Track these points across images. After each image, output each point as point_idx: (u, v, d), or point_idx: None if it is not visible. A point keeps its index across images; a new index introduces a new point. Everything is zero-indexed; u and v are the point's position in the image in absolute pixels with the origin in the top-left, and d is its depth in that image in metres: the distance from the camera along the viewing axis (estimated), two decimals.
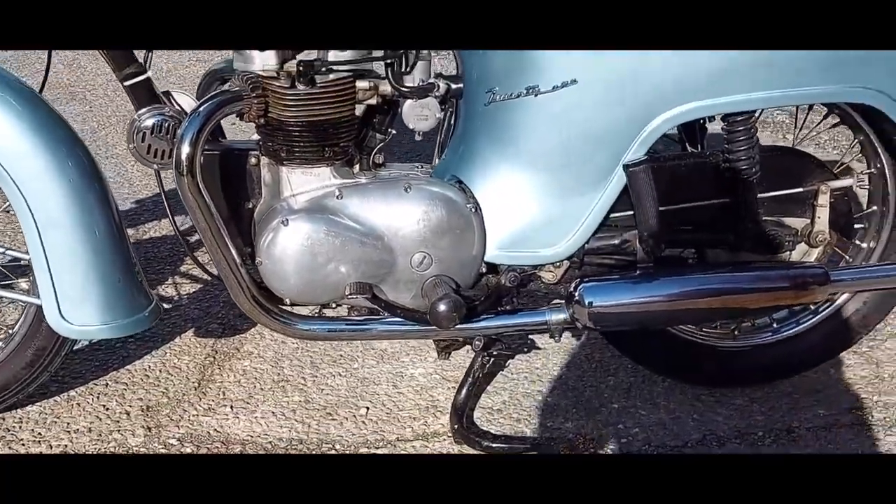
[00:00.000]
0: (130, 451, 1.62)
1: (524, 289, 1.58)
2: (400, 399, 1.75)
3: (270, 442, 1.65)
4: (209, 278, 1.85)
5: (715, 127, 1.55)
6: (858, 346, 1.83)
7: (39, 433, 1.66)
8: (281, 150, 1.45)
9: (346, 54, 1.44)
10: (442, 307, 1.42)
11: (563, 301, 1.51)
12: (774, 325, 1.73)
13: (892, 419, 1.67)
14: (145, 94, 1.54)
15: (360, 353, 1.88)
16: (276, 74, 1.42)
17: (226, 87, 1.48)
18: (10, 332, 1.63)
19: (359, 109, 1.50)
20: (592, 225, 1.48)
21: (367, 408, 1.73)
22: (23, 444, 1.63)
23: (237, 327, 1.97)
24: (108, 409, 1.73)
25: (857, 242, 1.69)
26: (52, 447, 1.63)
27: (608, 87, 1.41)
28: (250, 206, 1.52)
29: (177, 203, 1.46)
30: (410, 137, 1.52)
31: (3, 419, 1.69)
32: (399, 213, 1.47)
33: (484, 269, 1.52)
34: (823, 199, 1.57)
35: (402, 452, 1.61)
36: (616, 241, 1.52)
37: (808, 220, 1.58)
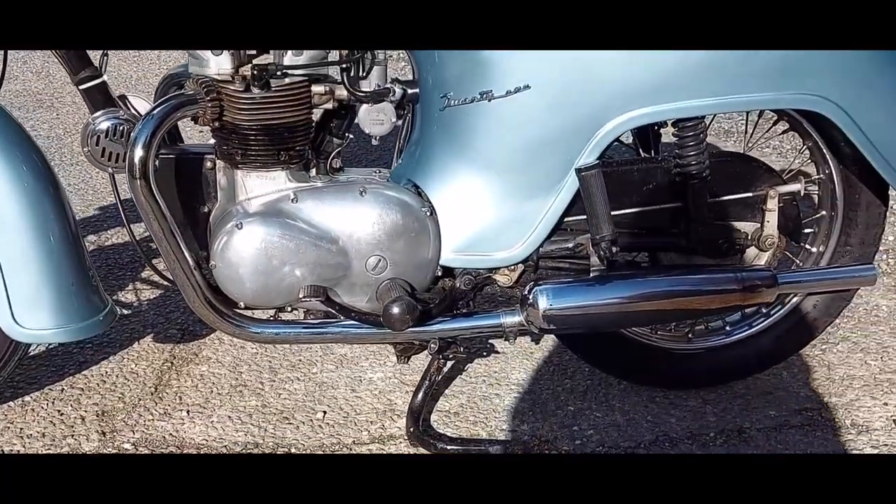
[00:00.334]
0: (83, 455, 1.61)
1: (481, 292, 1.60)
2: (358, 403, 1.76)
3: (226, 446, 1.64)
4: (169, 284, 1.85)
5: (670, 134, 1.58)
6: (810, 349, 1.87)
7: None
8: (236, 154, 1.46)
9: (302, 58, 1.45)
10: (395, 309, 1.43)
11: (518, 304, 1.52)
12: (727, 328, 1.76)
13: (841, 420, 1.70)
14: (101, 98, 1.54)
15: (319, 358, 1.89)
16: (230, 78, 1.43)
17: (181, 91, 1.48)
18: None
19: (315, 114, 1.51)
20: (546, 229, 1.50)
21: (325, 412, 1.73)
22: None
23: (196, 333, 1.96)
24: (62, 414, 1.72)
25: (807, 246, 1.72)
26: (3, 451, 1.61)
27: (560, 92, 1.43)
28: (206, 209, 1.53)
29: (134, 208, 1.46)
30: (371, 143, 1.54)
31: None
32: (354, 217, 1.48)
33: (439, 273, 1.53)
34: (772, 204, 1.60)
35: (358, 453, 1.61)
36: (570, 245, 1.55)
37: (758, 225, 1.61)
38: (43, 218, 1.51)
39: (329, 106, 1.50)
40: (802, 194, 1.65)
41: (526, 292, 1.50)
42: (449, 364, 1.76)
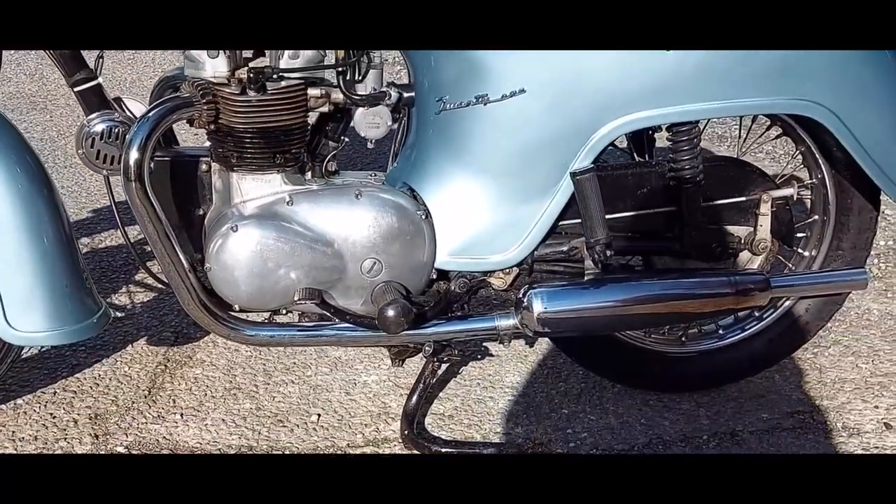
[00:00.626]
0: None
1: (476, 296, 1.60)
2: (352, 406, 1.76)
3: (220, 449, 1.64)
4: (163, 287, 1.85)
5: (664, 138, 1.58)
6: (802, 352, 1.88)
7: None
8: (231, 157, 1.46)
9: (298, 61, 1.45)
10: (390, 312, 1.43)
11: (513, 307, 1.53)
12: (720, 332, 1.77)
13: (832, 423, 1.71)
14: (96, 100, 1.53)
15: (313, 361, 1.89)
16: (226, 81, 1.43)
17: (177, 93, 1.48)
18: None
19: (311, 117, 1.51)
20: (541, 232, 1.50)
21: (319, 415, 1.73)
22: None
23: (190, 336, 1.96)
24: (55, 417, 1.71)
25: (799, 251, 1.73)
26: None
27: (556, 96, 1.44)
28: (201, 212, 1.53)
29: (128, 210, 1.46)
30: (367, 146, 1.54)
31: None
32: (349, 220, 1.48)
33: (434, 276, 1.53)
34: (765, 208, 1.60)
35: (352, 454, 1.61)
36: (564, 248, 1.55)
37: (752, 229, 1.62)
38: (37, 220, 1.50)
39: (325, 109, 1.50)
40: (795, 199, 1.66)
41: (520, 295, 1.50)
42: (443, 367, 1.76)
